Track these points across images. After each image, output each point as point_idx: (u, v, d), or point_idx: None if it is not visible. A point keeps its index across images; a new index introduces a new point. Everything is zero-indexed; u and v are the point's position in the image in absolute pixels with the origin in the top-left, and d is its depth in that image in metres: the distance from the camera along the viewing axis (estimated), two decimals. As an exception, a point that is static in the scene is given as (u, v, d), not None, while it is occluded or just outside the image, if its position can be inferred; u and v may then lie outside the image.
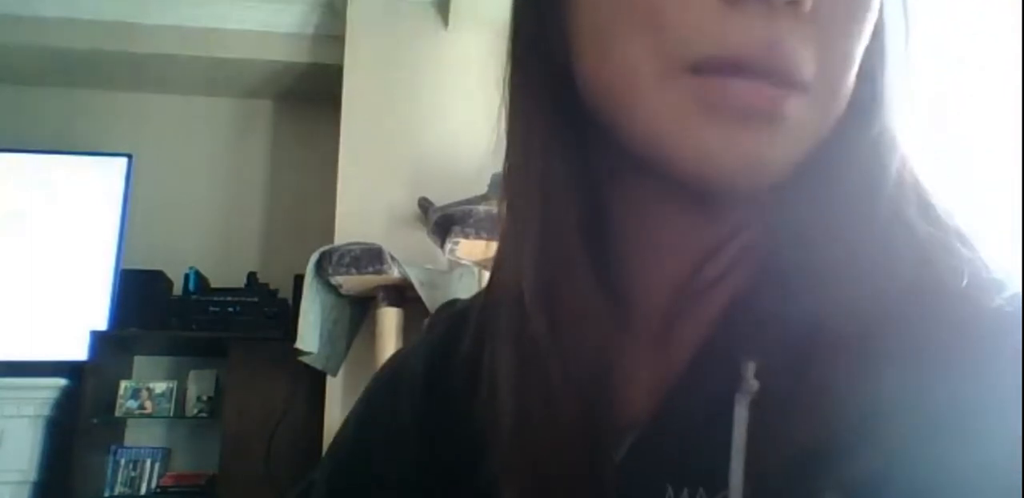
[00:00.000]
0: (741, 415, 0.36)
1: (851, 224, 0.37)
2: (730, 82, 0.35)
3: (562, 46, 0.41)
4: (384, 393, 0.54)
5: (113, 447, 3.09)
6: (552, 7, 0.41)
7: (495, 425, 0.43)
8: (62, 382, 2.95)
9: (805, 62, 0.36)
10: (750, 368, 0.37)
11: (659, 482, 0.38)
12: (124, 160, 3.40)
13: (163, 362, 3.32)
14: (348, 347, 2.78)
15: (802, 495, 0.33)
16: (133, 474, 3.06)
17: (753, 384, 0.37)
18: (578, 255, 0.42)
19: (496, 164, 0.46)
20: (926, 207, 0.38)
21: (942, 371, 0.32)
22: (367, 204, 2.93)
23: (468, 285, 2.61)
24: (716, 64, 0.35)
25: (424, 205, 2.73)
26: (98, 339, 2.99)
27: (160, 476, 3.08)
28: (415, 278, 2.56)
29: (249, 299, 3.14)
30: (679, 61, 0.36)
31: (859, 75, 0.38)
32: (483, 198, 2.41)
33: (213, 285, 3.26)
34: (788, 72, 0.35)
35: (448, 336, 0.51)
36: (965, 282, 0.35)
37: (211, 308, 3.09)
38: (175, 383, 3.15)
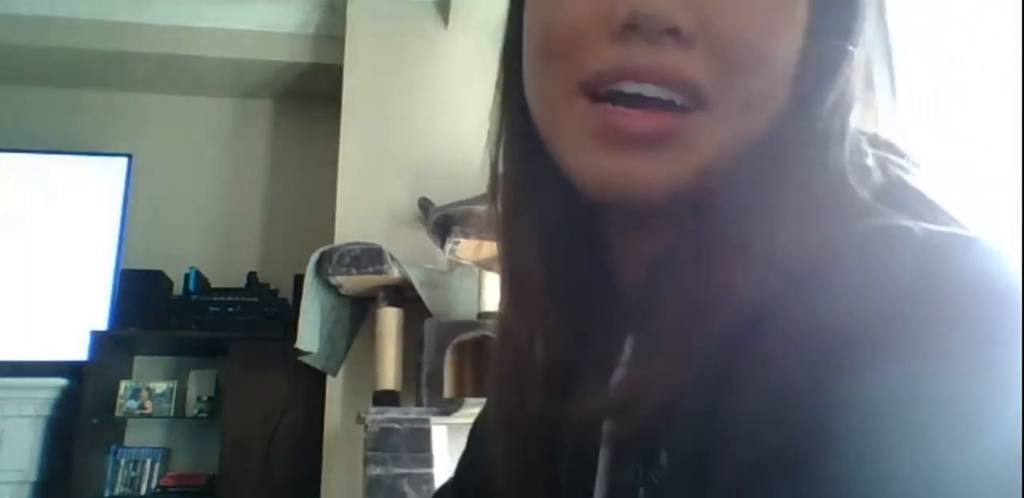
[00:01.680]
0: (616, 381, 0.42)
1: (760, 220, 0.38)
2: (615, 109, 0.38)
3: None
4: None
5: (113, 447, 3.10)
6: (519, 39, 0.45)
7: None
8: (62, 382, 2.95)
9: (696, 79, 0.37)
10: (629, 341, 0.43)
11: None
12: (124, 160, 3.40)
13: (163, 362, 3.32)
14: (348, 347, 2.78)
15: (643, 455, 0.38)
16: (133, 474, 3.06)
17: (627, 353, 0.42)
18: (539, 279, 0.47)
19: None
20: (850, 202, 0.38)
21: (799, 337, 0.32)
22: (367, 204, 2.93)
23: (468, 285, 2.61)
24: (604, 87, 0.38)
25: (424, 205, 2.73)
26: (98, 339, 3.00)
27: (160, 476, 3.08)
28: (415, 278, 2.56)
29: (249, 299, 3.14)
30: (577, 87, 0.39)
31: (796, 80, 0.39)
32: (483, 198, 2.40)
33: (213, 285, 3.26)
34: (677, 85, 0.37)
35: None
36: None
37: (211, 308, 3.10)
38: (175, 383, 3.15)
